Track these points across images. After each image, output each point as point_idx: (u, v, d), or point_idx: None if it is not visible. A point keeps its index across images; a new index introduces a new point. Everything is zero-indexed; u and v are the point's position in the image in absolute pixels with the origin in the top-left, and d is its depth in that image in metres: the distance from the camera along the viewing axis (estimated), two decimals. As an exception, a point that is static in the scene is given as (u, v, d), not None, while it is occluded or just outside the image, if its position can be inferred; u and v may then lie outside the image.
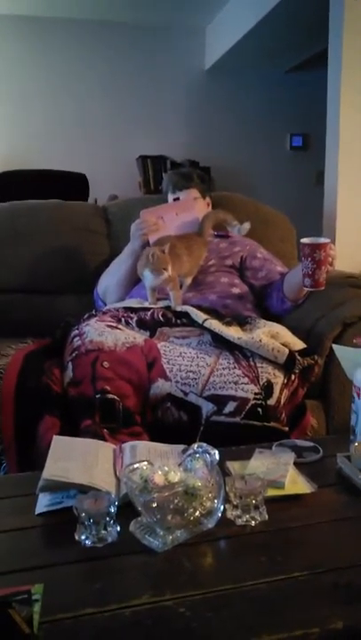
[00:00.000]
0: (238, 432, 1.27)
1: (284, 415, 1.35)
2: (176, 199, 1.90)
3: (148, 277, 1.60)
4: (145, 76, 4.37)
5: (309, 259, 1.44)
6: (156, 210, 1.81)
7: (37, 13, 4.04)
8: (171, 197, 1.93)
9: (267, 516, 0.86)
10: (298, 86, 4.55)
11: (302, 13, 3.20)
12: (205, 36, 4.40)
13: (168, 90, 4.42)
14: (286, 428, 1.33)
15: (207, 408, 1.30)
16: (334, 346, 1.32)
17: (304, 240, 1.46)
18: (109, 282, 1.89)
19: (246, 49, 3.86)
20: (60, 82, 4.24)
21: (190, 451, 0.89)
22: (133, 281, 1.83)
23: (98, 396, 1.29)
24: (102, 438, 1.21)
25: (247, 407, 1.28)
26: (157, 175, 4.22)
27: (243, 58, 4.09)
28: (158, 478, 0.81)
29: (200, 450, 0.89)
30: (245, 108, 4.54)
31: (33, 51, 4.16)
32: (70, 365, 1.37)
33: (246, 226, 1.81)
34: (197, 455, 0.88)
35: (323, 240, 1.45)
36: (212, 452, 0.89)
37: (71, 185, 3.43)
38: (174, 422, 1.32)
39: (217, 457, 0.88)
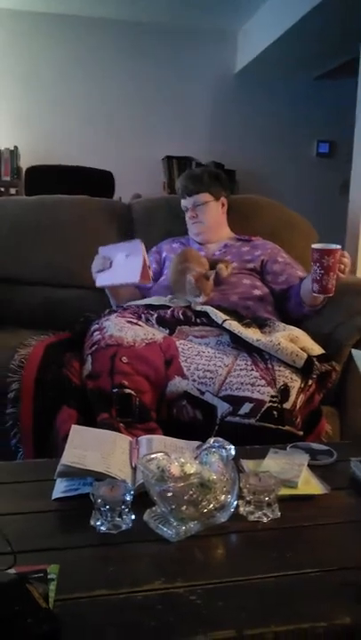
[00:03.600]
0: (253, 434, 1.27)
1: (299, 419, 1.35)
2: (187, 208, 1.91)
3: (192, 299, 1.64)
4: (175, 77, 4.40)
5: (318, 264, 1.43)
6: (109, 249, 1.77)
7: (72, 12, 4.09)
8: (183, 203, 1.93)
9: (279, 514, 0.87)
10: (326, 93, 4.54)
11: (333, 22, 3.21)
12: (237, 39, 4.41)
13: (197, 92, 4.45)
14: (301, 433, 1.33)
15: (223, 408, 1.31)
16: (354, 351, 1.32)
17: (314, 245, 1.45)
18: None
19: (277, 54, 3.88)
20: (91, 80, 4.30)
21: (207, 445, 0.91)
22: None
23: (115, 390, 1.31)
24: (118, 432, 1.23)
25: (263, 409, 1.29)
26: (182, 176, 4.25)
27: (273, 63, 4.11)
28: (175, 469, 0.82)
29: (216, 444, 0.90)
30: (273, 112, 4.55)
31: (67, 49, 4.22)
32: (90, 358, 1.39)
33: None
34: (213, 450, 0.89)
35: (333, 246, 1.44)
36: (228, 447, 0.90)
37: (97, 182, 3.47)
38: (189, 420, 1.33)
39: (233, 452, 0.90)
